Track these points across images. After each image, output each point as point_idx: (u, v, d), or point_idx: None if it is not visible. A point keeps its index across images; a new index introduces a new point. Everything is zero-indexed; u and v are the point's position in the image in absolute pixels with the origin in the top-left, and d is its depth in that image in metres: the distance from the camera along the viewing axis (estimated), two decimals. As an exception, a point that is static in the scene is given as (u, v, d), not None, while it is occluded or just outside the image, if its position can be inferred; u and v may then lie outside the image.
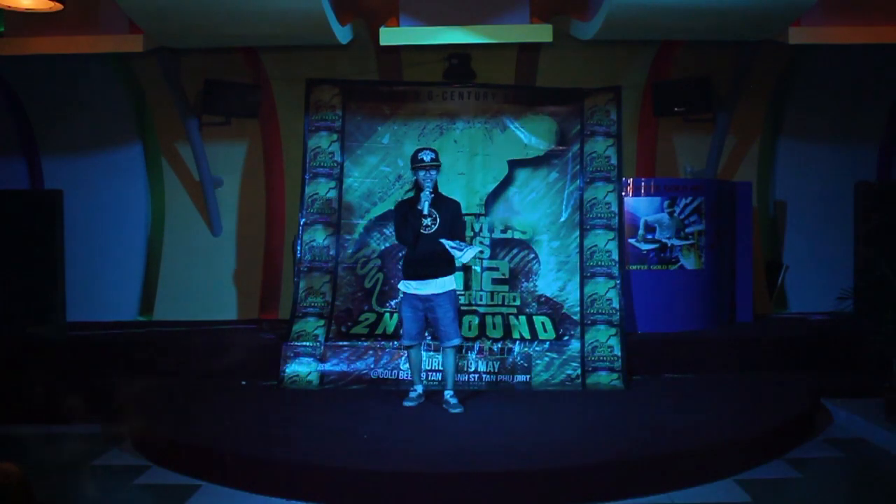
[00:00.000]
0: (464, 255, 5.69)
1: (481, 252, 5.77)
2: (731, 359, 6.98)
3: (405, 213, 5.77)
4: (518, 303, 6.98)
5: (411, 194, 6.07)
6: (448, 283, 5.79)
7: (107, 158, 8.61)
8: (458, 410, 5.68)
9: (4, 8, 5.85)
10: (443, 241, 5.65)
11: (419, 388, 5.99)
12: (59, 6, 5.74)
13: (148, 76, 8.26)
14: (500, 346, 6.71)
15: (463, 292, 6.87)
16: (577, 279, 6.96)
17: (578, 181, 7.17)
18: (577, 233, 7.06)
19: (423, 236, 5.70)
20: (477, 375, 6.60)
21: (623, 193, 7.26)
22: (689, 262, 7.45)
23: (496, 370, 6.61)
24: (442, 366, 6.23)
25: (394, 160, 7.26)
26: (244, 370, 6.78)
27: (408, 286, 5.80)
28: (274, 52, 8.17)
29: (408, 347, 5.93)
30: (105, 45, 7.17)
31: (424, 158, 5.71)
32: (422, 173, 5.72)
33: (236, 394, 6.38)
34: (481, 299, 7.00)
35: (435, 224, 5.73)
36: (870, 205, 7.87)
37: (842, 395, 6.31)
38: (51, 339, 7.20)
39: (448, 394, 5.83)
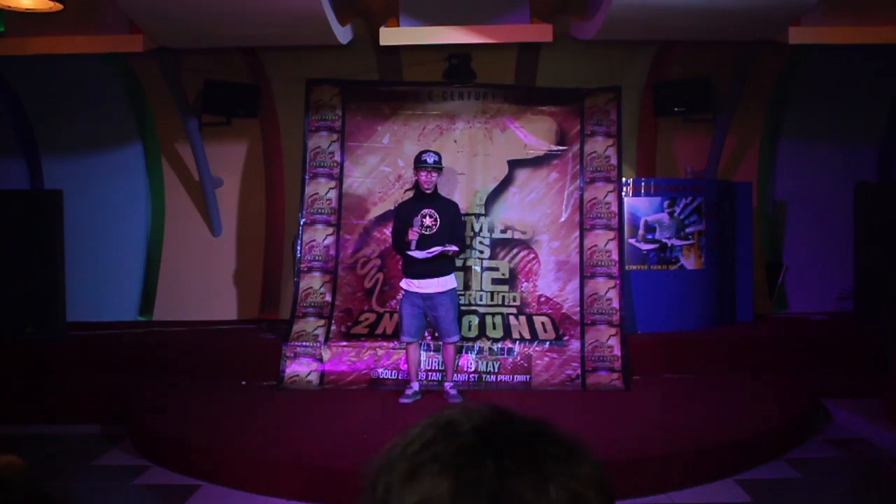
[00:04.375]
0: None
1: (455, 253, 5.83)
2: (731, 359, 6.98)
3: (402, 226, 5.86)
4: (518, 303, 6.98)
5: (411, 193, 6.12)
6: (449, 282, 5.88)
7: (107, 158, 8.60)
8: (457, 400, 5.77)
9: (4, 8, 5.85)
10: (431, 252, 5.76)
11: (415, 386, 6.02)
12: (59, 6, 5.74)
13: (148, 76, 8.25)
14: (500, 346, 6.71)
15: (463, 292, 6.86)
16: (577, 279, 6.96)
17: (578, 181, 7.17)
18: (577, 233, 7.06)
19: (424, 237, 5.80)
20: (477, 375, 6.60)
21: (623, 193, 7.26)
22: (689, 262, 7.45)
23: (496, 370, 6.61)
24: (442, 359, 6.27)
25: (394, 160, 7.26)
26: (244, 370, 6.79)
27: (409, 284, 5.87)
28: (274, 52, 8.16)
29: (407, 344, 5.98)
30: (105, 45, 7.16)
31: (427, 160, 5.80)
32: (423, 174, 5.81)
33: (236, 394, 6.38)
34: (481, 299, 7.00)
35: (436, 225, 5.85)
36: (870, 205, 7.87)
37: (842, 395, 6.31)
38: (51, 339, 7.20)
39: (448, 385, 5.98)
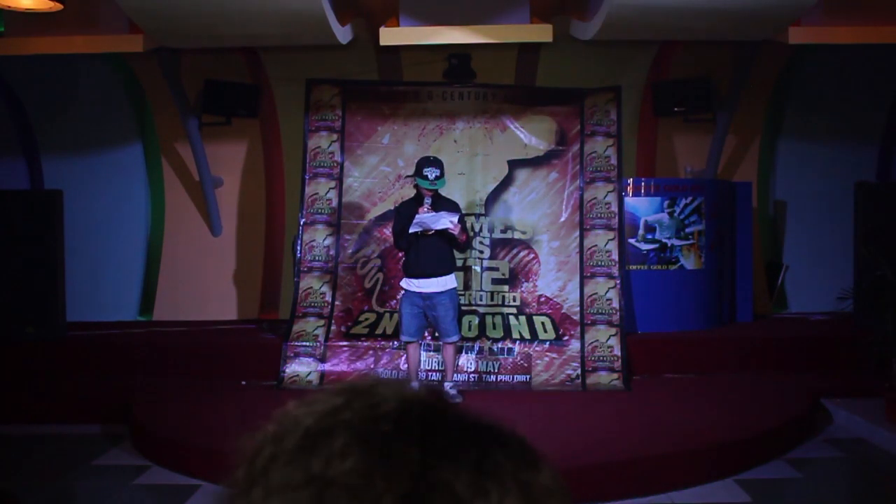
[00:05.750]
0: (438, 223, 5.63)
1: (457, 222, 5.57)
2: (731, 359, 6.98)
3: (404, 222, 5.79)
4: (518, 303, 6.98)
5: (413, 192, 6.10)
6: (449, 282, 5.84)
7: (107, 158, 8.60)
8: (458, 400, 5.75)
9: (4, 8, 5.85)
10: (419, 217, 5.62)
11: (415, 386, 5.99)
12: (59, 6, 5.75)
13: (148, 76, 8.26)
14: (500, 346, 6.71)
15: (463, 292, 6.86)
16: (577, 279, 6.96)
17: (578, 181, 7.17)
18: (577, 233, 7.06)
19: (424, 236, 5.74)
20: (477, 375, 6.60)
21: (623, 193, 7.26)
22: (689, 262, 7.45)
23: (496, 370, 6.61)
24: (442, 359, 6.27)
25: (394, 160, 7.26)
26: (244, 370, 6.78)
27: (409, 284, 5.84)
28: (274, 52, 8.16)
29: (406, 344, 5.96)
30: (105, 45, 7.16)
31: (429, 176, 5.69)
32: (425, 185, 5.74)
33: (236, 394, 6.38)
34: (481, 299, 7.00)
35: None
36: (870, 205, 7.86)
37: (842, 395, 6.31)
38: (51, 339, 7.20)
39: (448, 385, 5.95)
